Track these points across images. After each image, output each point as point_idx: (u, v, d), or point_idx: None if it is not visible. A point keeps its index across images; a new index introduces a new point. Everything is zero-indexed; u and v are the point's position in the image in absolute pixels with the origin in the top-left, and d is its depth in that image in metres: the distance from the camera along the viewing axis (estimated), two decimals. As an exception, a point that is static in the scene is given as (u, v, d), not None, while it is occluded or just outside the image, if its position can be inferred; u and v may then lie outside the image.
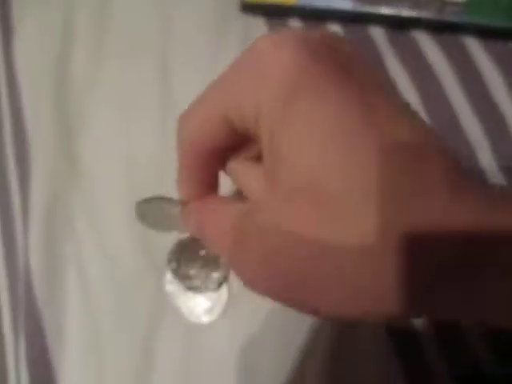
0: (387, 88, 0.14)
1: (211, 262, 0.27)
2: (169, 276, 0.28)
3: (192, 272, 0.27)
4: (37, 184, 0.30)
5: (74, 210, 0.30)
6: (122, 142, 0.31)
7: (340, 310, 0.13)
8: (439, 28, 0.32)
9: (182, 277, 0.27)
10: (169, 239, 0.28)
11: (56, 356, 0.27)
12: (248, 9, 0.33)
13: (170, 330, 0.27)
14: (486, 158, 0.29)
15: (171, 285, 0.28)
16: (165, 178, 0.30)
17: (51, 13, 0.36)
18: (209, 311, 0.27)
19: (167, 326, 0.27)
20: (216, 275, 0.27)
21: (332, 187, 0.12)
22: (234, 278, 0.28)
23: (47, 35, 0.34)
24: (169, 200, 0.21)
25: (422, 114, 0.30)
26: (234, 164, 0.18)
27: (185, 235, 0.28)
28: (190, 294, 0.28)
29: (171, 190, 0.29)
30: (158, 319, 0.27)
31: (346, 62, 0.14)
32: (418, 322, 0.26)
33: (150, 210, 0.23)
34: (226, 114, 0.15)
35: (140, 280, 0.28)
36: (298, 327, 0.27)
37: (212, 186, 0.19)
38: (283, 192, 0.13)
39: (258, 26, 0.33)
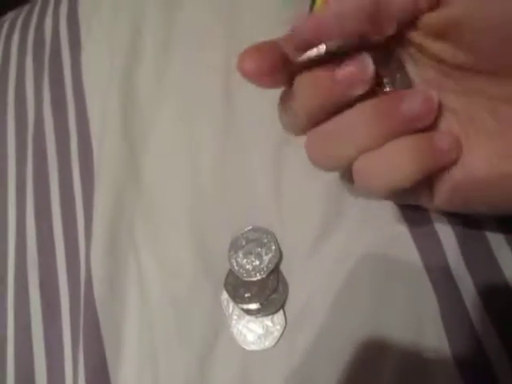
0: None
1: (268, 286, 0.26)
2: (225, 298, 0.27)
3: (248, 295, 0.27)
4: (100, 195, 0.30)
5: (136, 221, 0.30)
6: (184, 156, 0.31)
7: None
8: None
9: (238, 300, 0.26)
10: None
11: (113, 366, 0.27)
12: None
13: (225, 350, 0.26)
14: None
15: (226, 308, 0.27)
16: (226, 190, 0.30)
17: (119, 25, 0.36)
18: (262, 339, 0.26)
19: (222, 347, 0.26)
20: (274, 297, 0.26)
21: None
22: (291, 304, 0.27)
23: (114, 48, 0.35)
24: None
25: None
26: None
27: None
28: (244, 321, 0.27)
29: (233, 203, 0.29)
30: (214, 338, 0.27)
31: None
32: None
33: None
34: None
35: (197, 294, 0.28)
36: (358, 356, 0.25)
37: None
38: None
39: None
